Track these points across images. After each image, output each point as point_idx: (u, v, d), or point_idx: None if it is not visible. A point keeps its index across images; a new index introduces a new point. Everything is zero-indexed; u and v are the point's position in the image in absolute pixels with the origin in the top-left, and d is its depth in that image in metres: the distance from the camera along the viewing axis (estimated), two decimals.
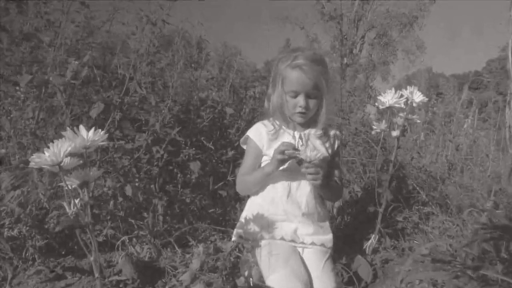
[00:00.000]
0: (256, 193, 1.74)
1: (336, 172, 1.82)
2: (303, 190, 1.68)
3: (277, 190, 1.68)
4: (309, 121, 1.75)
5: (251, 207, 1.74)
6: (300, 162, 1.53)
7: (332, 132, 1.81)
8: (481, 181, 3.07)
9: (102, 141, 1.10)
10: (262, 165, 1.73)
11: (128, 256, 1.79)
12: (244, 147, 1.83)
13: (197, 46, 2.91)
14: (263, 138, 1.73)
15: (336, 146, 1.81)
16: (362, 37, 26.27)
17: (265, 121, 1.78)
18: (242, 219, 1.73)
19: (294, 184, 1.68)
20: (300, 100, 1.64)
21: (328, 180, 1.74)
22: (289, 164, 1.62)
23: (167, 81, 2.43)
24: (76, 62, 1.95)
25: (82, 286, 1.66)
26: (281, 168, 1.62)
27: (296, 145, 1.65)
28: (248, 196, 1.81)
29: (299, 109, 1.66)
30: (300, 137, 1.71)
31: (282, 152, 1.53)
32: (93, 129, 1.09)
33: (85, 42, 2.32)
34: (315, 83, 1.63)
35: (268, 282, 1.47)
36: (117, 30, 2.43)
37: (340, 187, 1.83)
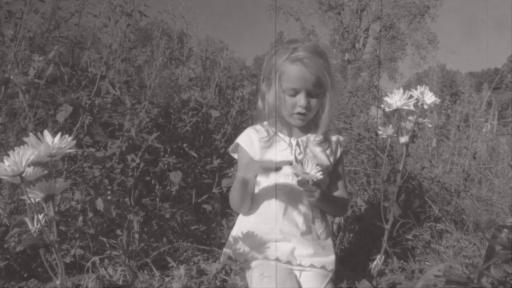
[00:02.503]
0: (248, 213, 1.72)
1: (339, 183, 1.80)
2: (301, 206, 1.65)
3: (271, 207, 1.65)
4: (308, 125, 1.74)
5: (242, 224, 1.72)
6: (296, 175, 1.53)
7: (334, 138, 1.79)
8: (502, 194, 3.09)
9: (70, 149, 1.11)
10: (258, 178, 1.70)
11: (99, 279, 1.78)
12: (234, 155, 1.83)
13: (178, 41, 2.92)
14: (254, 146, 1.70)
15: (338, 153, 1.80)
16: (366, 29, 26.48)
17: (257, 126, 1.76)
18: (231, 238, 1.72)
19: (291, 199, 1.65)
20: (301, 98, 1.61)
21: (330, 192, 1.74)
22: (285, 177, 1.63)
23: (144, 81, 2.44)
24: (41, 59, 1.95)
25: None
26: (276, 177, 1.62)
27: (293, 153, 1.65)
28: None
29: (299, 109, 1.63)
30: (298, 144, 1.69)
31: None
32: (59, 134, 1.09)
33: (51, 36, 2.32)
34: (318, 79, 1.60)
35: None
36: (87, 23, 2.42)
37: (345, 201, 1.81)
